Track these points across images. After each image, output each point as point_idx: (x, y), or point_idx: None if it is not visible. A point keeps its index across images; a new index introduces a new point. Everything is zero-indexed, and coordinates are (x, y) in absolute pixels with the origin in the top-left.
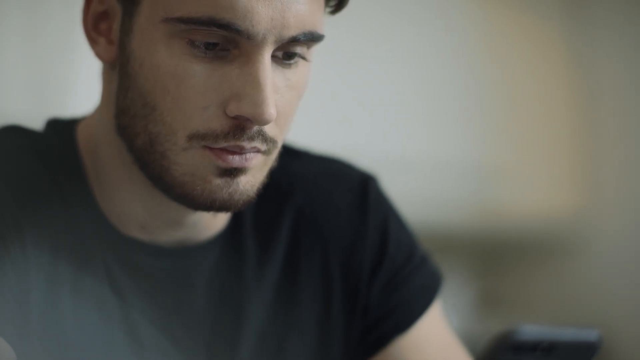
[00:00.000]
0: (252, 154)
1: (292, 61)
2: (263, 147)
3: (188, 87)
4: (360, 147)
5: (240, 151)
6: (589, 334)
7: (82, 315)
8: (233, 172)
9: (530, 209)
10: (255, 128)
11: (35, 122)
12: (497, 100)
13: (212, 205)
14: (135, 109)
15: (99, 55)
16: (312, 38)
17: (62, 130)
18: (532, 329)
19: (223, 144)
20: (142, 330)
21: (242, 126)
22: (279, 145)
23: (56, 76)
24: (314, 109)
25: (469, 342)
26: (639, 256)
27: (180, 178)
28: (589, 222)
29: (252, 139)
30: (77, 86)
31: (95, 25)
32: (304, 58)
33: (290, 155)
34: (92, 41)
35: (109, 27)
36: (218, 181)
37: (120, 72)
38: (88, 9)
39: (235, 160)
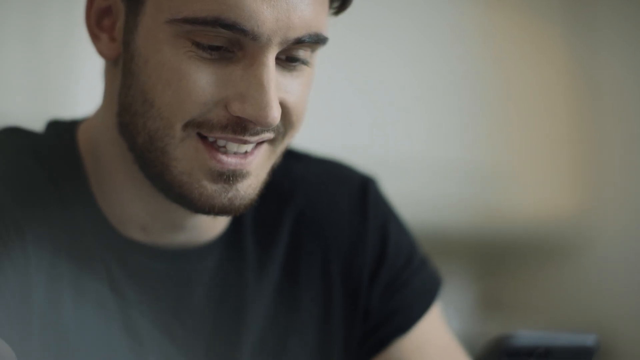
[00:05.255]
0: (252, 156)
1: (295, 63)
2: (271, 135)
3: (190, 82)
4: (361, 149)
5: (243, 143)
6: (586, 339)
7: (82, 316)
8: (231, 177)
9: (531, 211)
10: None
11: (35, 122)
12: (498, 103)
13: (212, 210)
14: (136, 106)
15: (100, 51)
16: (317, 40)
17: (62, 131)
18: (527, 335)
19: (218, 134)
20: (142, 330)
21: (244, 125)
22: (289, 136)
23: (56, 77)
24: (315, 110)
25: (469, 344)
26: None
27: (178, 177)
28: (589, 225)
29: (256, 133)
30: (77, 87)
31: (98, 21)
32: (306, 64)
33: (291, 158)
34: (95, 37)
35: (112, 24)
36: (214, 187)
37: (123, 69)
38: (91, 5)
39: (231, 162)
